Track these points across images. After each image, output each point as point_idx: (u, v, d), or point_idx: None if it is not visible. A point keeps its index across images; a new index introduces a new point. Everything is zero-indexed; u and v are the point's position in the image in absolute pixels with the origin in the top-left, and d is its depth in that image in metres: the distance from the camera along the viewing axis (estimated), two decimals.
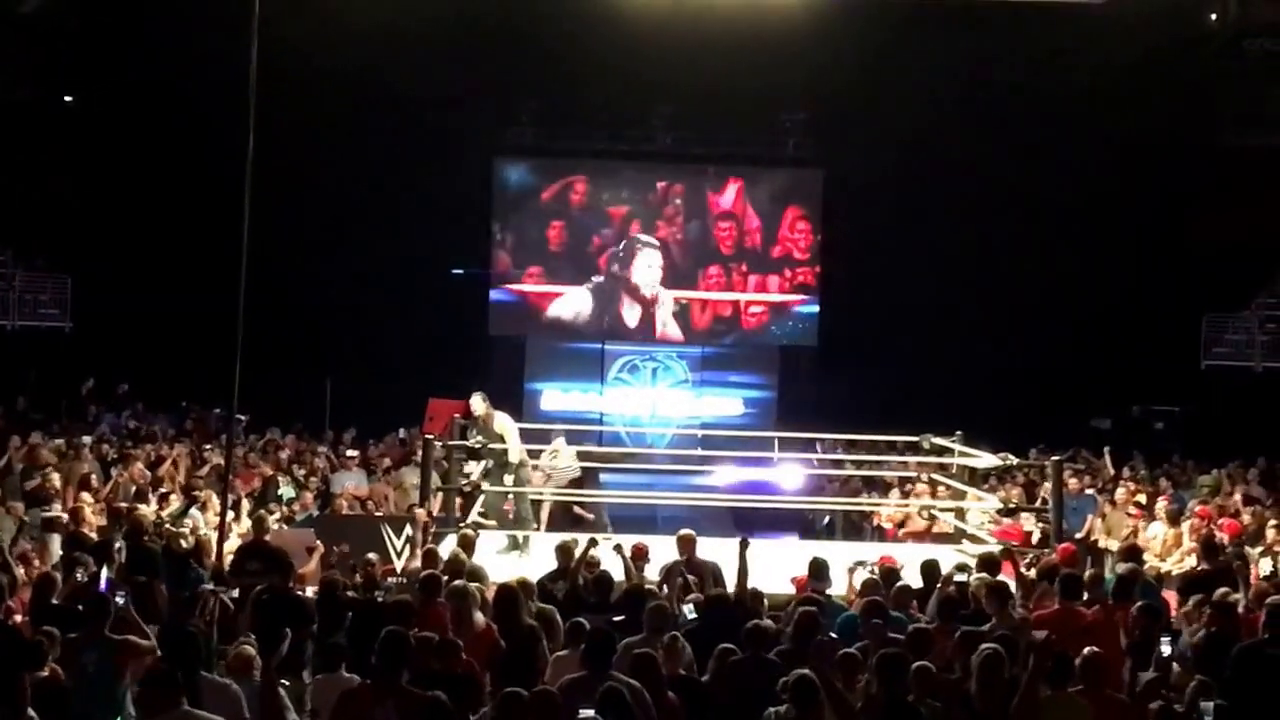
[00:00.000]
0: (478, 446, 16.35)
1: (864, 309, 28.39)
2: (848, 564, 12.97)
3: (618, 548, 12.54)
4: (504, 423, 16.55)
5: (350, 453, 21.05)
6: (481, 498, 16.89)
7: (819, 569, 11.74)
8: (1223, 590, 11.35)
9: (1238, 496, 19.53)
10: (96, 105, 28.16)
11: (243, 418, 19.50)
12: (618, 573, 12.21)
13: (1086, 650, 8.95)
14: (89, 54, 27.42)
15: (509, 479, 16.37)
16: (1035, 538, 16.90)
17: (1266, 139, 29.25)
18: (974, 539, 16.56)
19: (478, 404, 16.51)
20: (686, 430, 27.83)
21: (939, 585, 11.61)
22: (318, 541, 15.03)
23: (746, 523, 20.19)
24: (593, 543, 12.53)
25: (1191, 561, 15.74)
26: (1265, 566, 15.46)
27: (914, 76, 27.25)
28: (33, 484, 16.69)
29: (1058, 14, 23.56)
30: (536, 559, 15.02)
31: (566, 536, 13.50)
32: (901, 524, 19.42)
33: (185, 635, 9.08)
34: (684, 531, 13.03)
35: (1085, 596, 11.07)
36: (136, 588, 10.70)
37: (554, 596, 11.44)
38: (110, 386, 24.61)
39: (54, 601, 10.60)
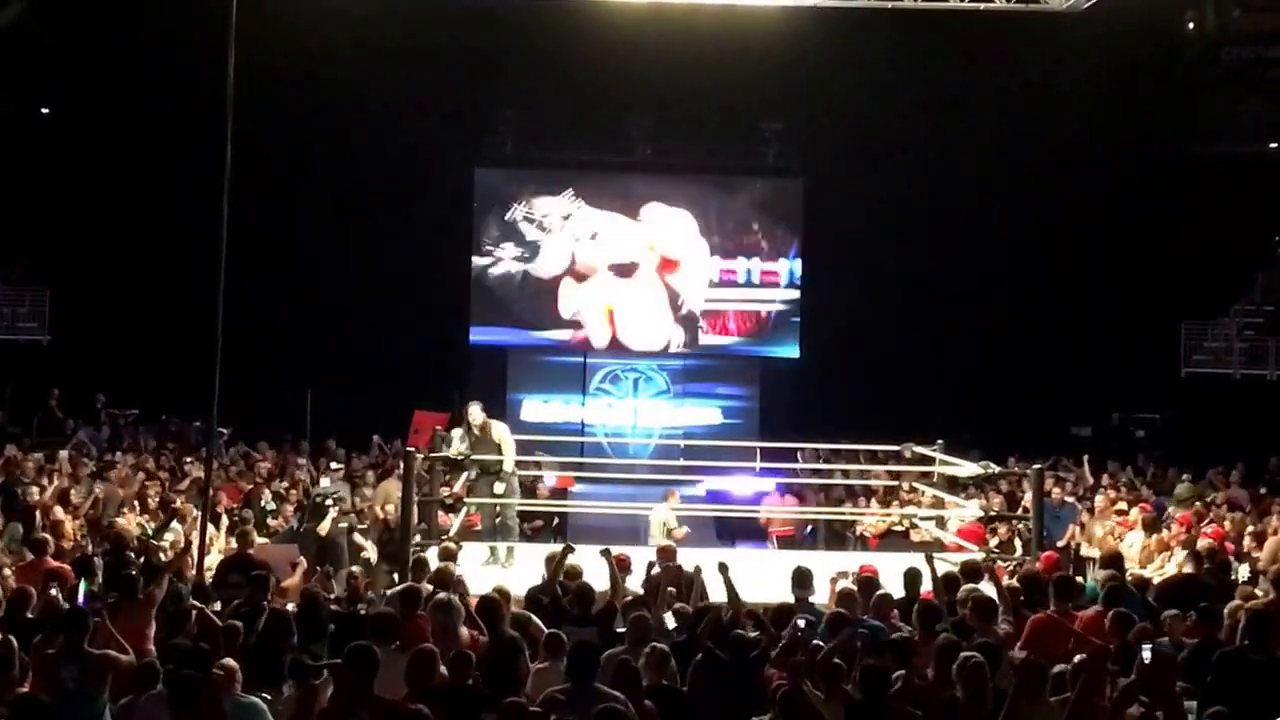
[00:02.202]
0: (460, 458, 16.30)
1: (845, 318, 28.41)
2: (830, 574, 12.96)
3: (605, 552, 12.48)
4: (502, 432, 16.53)
5: (335, 465, 20.97)
6: (469, 508, 16.87)
7: (802, 578, 11.73)
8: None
9: (1223, 504, 19.50)
10: (74, 117, 28.11)
11: (224, 431, 19.46)
12: (599, 584, 12.16)
13: (1077, 657, 8.96)
14: (66, 66, 27.38)
15: (500, 487, 16.29)
16: (1017, 545, 16.90)
17: (1244, 147, 29.42)
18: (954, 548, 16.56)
19: (476, 413, 16.48)
20: (669, 440, 27.80)
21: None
22: (301, 557, 14.97)
23: (728, 533, 20.28)
24: (568, 550, 12.50)
25: (1172, 569, 15.79)
26: (1243, 573, 15.54)
27: (893, 86, 27.36)
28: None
29: (1036, 23, 23.59)
30: (520, 570, 14.99)
31: (556, 547, 13.45)
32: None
33: (193, 653, 9.06)
34: (664, 543, 13.02)
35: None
36: (117, 602, 10.66)
37: (544, 608, 11.41)
38: (89, 399, 24.53)
39: (29, 615, 10.54)
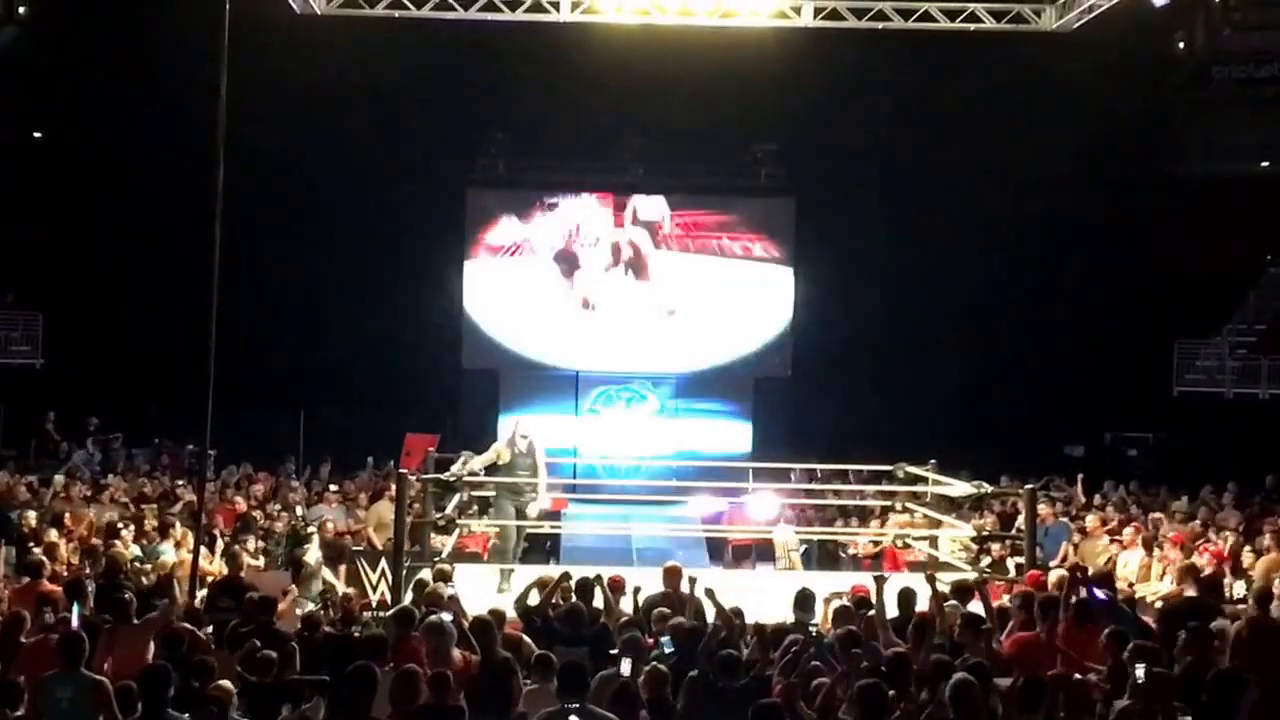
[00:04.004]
0: (452, 480, 16.26)
1: (837, 338, 28.45)
2: (824, 594, 12.94)
3: (598, 578, 12.50)
4: (542, 457, 16.48)
5: (332, 487, 20.96)
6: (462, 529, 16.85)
7: (804, 601, 11.74)
8: (1215, 622, 11.38)
9: (1234, 525, 19.48)
10: (66, 142, 28.12)
11: (211, 453, 19.44)
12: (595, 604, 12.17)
13: (1063, 679, 8.96)
14: (58, 90, 27.38)
15: (515, 508, 16.25)
16: (1010, 565, 16.88)
17: (1235, 166, 29.52)
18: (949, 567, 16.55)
19: (528, 429, 16.46)
20: (661, 461, 27.77)
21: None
22: (293, 585, 14.95)
23: (721, 553, 20.25)
24: (566, 576, 12.52)
25: (1166, 587, 15.80)
26: (1239, 590, 15.55)
27: (884, 105, 27.44)
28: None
29: (1027, 43, 23.70)
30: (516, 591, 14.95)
31: (550, 568, 13.46)
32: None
33: (156, 670, 9.06)
34: (670, 563, 13.03)
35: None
36: (114, 626, 10.65)
37: (536, 628, 11.42)
38: (81, 423, 24.51)
39: (23, 640, 10.53)
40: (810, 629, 11.30)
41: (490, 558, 16.45)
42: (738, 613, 11.33)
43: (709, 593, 11.62)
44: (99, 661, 9.89)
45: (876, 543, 19.19)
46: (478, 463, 16.23)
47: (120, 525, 16.62)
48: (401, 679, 8.79)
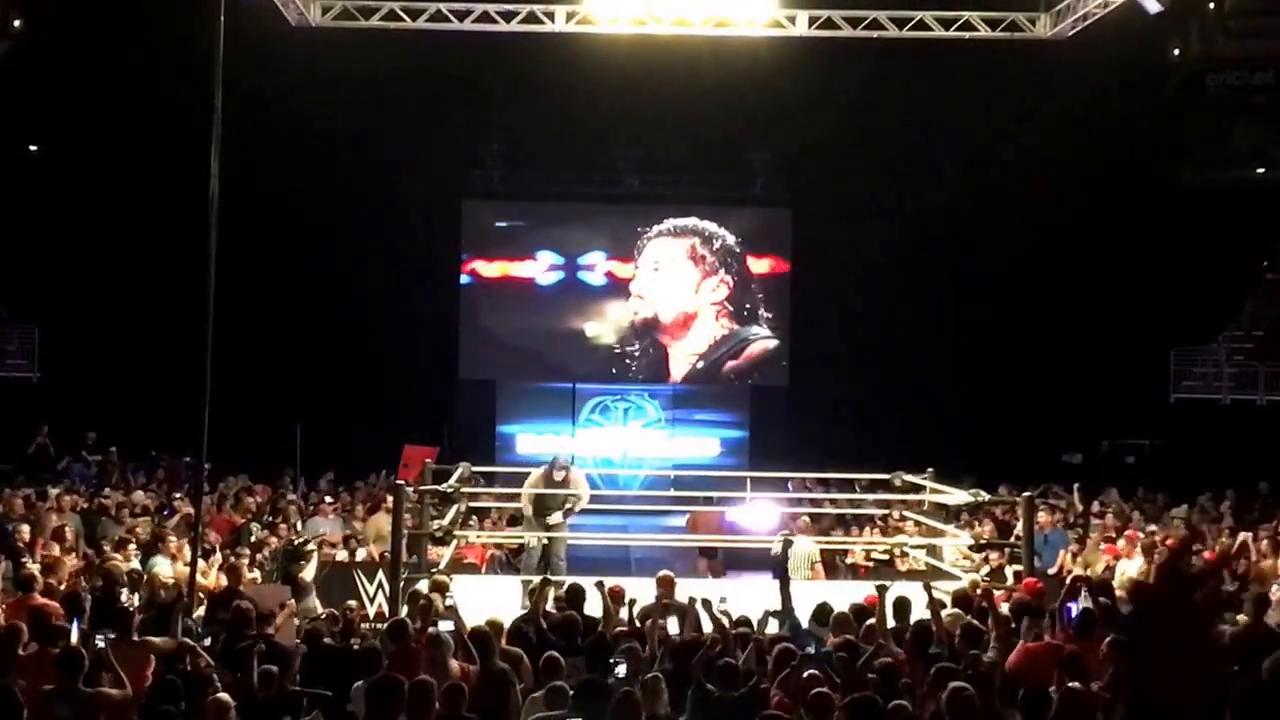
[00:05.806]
0: (450, 491, 16.26)
1: (834, 347, 28.44)
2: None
3: (599, 584, 12.50)
4: (585, 488, 17.07)
5: (328, 499, 20.92)
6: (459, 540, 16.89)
7: (823, 615, 11.75)
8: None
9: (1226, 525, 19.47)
10: (62, 155, 28.10)
11: (206, 466, 19.40)
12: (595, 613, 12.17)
13: (1064, 689, 8.95)
14: (53, 104, 27.36)
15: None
16: (1008, 573, 16.84)
17: (1231, 173, 29.51)
18: (948, 575, 16.52)
19: (567, 460, 16.79)
20: (659, 471, 27.76)
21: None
22: (291, 599, 14.90)
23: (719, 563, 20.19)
24: (546, 583, 12.55)
25: None
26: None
27: (880, 116, 27.43)
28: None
29: (1022, 51, 23.72)
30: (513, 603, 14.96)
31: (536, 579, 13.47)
32: None
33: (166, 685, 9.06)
34: (663, 573, 13.02)
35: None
36: (116, 640, 10.61)
37: (527, 638, 11.40)
38: (77, 436, 24.47)
39: (20, 653, 10.49)
40: (810, 639, 11.30)
41: (523, 570, 16.49)
42: (744, 622, 11.34)
43: (705, 603, 11.62)
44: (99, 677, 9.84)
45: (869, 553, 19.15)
46: (524, 499, 16.45)
47: (112, 539, 16.58)
48: (415, 691, 8.78)
